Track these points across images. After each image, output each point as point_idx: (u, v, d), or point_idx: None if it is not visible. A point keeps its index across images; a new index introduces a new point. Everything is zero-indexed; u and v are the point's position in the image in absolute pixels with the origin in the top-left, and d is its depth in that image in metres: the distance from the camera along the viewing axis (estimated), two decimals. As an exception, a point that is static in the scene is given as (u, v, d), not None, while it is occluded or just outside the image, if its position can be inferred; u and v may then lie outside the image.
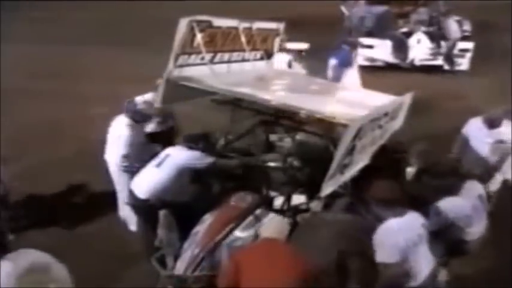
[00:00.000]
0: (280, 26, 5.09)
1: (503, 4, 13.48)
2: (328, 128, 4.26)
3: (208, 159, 3.96)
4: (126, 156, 4.43)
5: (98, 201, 5.00)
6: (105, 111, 7.37)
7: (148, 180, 3.93)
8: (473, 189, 3.69)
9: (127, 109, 4.57)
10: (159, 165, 3.95)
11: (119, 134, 4.49)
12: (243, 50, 4.55)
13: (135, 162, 4.37)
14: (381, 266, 3.01)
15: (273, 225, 3.30)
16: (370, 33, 10.86)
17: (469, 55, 10.61)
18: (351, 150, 3.61)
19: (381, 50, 10.73)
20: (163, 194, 3.86)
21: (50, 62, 10.25)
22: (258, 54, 4.87)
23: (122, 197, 4.55)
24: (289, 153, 4.55)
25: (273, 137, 4.91)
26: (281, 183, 4.12)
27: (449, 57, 10.67)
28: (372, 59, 10.69)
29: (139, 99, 4.66)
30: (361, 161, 4.04)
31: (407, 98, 4.86)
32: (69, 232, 4.50)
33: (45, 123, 6.99)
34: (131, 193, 3.94)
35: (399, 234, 3.01)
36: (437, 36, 10.72)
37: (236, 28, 4.38)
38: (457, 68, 10.65)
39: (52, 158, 6.00)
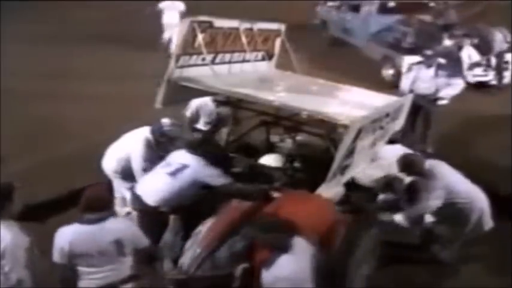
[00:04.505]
0: (281, 26, 5.09)
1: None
2: (329, 129, 4.26)
3: (226, 180, 3.83)
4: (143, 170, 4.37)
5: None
6: (105, 111, 7.44)
7: (160, 188, 3.77)
8: None
9: (153, 130, 4.50)
10: (173, 174, 3.80)
11: (133, 149, 4.43)
12: (244, 51, 4.55)
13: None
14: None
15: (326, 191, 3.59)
16: (412, 50, 9.17)
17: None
18: (351, 151, 3.62)
19: None
20: (174, 202, 3.76)
21: (50, 62, 10.24)
22: (259, 55, 4.87)
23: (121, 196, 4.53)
24: (289, 154, 4.55)
25: (274, 138, 4.91)
26: (281, 184, 4.12)
27: (499, 71, 9.69)
28: None
29: (165, 121, 4.56)
30: (362, 162, 4.05)
31: (407, 99, 4.87)
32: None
33: (45, 123, 6.98)
34: (137, 198, 3.83)
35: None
36: (484, 49, 9.61)
37: (237, 29, 4.38)
38: (503, 81, 9.71)
39: (52, 158, 5.99)
